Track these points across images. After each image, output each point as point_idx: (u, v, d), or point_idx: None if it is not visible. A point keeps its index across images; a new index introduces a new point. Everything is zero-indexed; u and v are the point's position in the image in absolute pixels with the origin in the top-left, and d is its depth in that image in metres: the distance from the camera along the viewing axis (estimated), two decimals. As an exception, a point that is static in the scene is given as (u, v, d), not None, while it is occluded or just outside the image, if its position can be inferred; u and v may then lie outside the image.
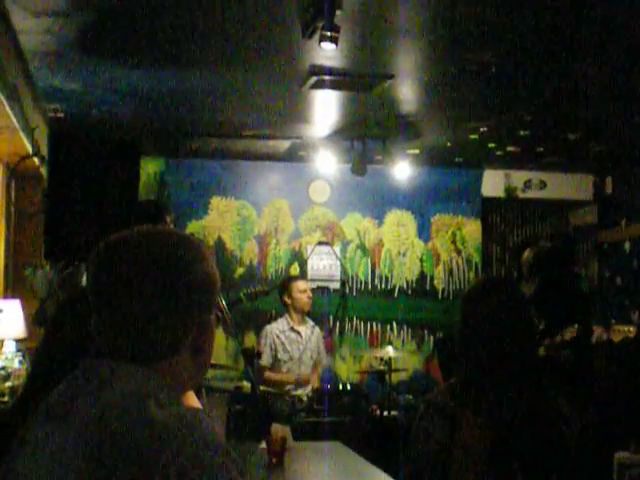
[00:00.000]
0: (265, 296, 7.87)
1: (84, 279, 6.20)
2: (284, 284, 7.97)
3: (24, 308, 6.46)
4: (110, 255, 1.63)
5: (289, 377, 7.64)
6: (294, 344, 7.74)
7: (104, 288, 1.61)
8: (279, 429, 5.00)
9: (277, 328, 7.80)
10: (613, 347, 6.83)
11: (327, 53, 5.42)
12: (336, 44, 4.63)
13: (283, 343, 7.70)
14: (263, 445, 4.83)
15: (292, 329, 7.77)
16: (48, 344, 2.51)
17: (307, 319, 7.95)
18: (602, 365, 6.58)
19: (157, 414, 1.49)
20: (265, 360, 7.54)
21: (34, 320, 6.32)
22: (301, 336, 7.77)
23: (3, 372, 5.90)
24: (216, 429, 1.57)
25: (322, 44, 4.62)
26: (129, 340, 1.60)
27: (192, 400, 2.65)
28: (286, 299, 7.83)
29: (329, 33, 4.50)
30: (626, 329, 6.73)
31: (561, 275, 5.34)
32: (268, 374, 7.57)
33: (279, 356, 7.67)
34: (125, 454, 1.44)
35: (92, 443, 1.47)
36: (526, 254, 5.54)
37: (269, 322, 8.25)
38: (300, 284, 7.87)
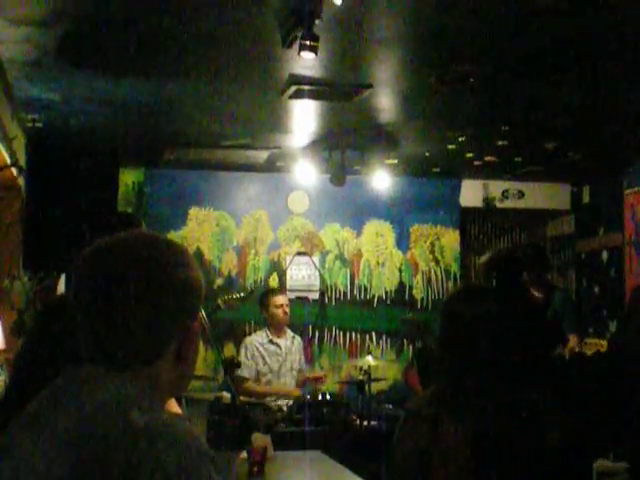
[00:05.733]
0: (242, 303, 7.86)
1: (62, 289, 6.18)
2: (263, 298, 7.93)
3: (2, 319, 6.41)
4: (94, 260, 1.62)
5: (272, 389, 7.61)
6: (273, 356, 7.70)
7: (87, 293, 1.60)
8: (260, 438, 4.98)
9: (257, 340, 7.76)
10: (586, 361, 6.85)
11: (306, 63, 5.43)
12: (315, 53, 4.64)
13: (263, 355, 7.67)
14: (244, 454, 4.82)
15: (271, 342, 7.73)
16: (27, 352, 2.50)
17: (287, 330, 7.91)
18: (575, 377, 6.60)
19: (140, 420, 1.48)
20: (247, 372, 7.51)
21: (12, 331, 6.28)
22: (280, 348, 7.74)
23: (-20, 383, 5.85)
24: (199, 436, 1.56)
25: (302, 53, 4.63)
26: (112, 346, 1.59)
27: (173, 407, 2.65)
28: (264, 313, 7.80)
29: (308, 42, 4.51)
30: (599, 342, 6.77)
31: (508, 283, 5.33)
32: (251, 385, 7.53)
33: (259, 368, 7.64)
34: (108, 461, 1.43)
35: (74, 450, 1.46)
36: (480, 263, 5.56)
37: (249, 334, 8.22)
38: (277, 299, 7.79)
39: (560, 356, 6.63)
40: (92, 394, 1.52)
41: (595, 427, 6.20)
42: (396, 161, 9.03)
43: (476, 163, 9.13)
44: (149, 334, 1.59)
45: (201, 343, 7.48)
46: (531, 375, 3.11)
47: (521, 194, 10.35)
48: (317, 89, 6.22)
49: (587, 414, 6.07)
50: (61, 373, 1.61)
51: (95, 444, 1.45)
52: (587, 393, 6.45)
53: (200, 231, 9.72)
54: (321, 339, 9.87)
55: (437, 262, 10.23)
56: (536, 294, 7.17)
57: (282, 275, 9.77)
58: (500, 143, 8.05)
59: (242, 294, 7.81)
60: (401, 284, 10.16)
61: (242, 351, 7.73)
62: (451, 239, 10.26)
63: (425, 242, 10.21)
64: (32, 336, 2.55)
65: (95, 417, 1.48)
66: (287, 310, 7.77)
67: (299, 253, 9.59)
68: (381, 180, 9.18)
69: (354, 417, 7.51)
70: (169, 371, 1.63)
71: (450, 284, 10.13)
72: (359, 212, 10.03)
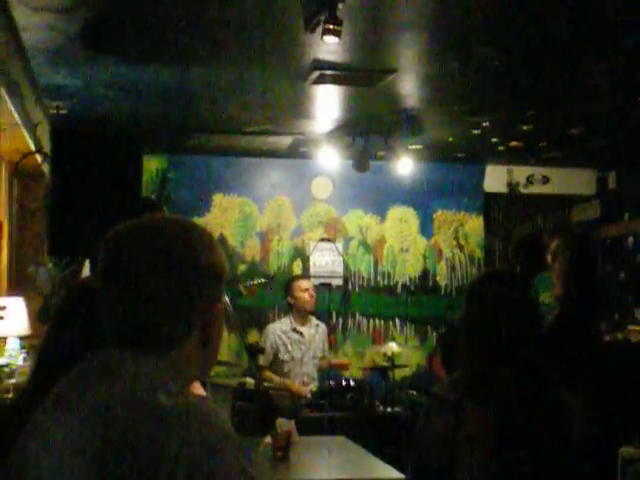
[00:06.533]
0: (263, 288, 7.85)
1: (87, 275, 6.21)
2: (287, 284, 7.92)
3: (28, 305, 6.45)
4: (118, 243, 1.62)
5: (286, 384, 7.52)
6: (296, 345, 7.67)
7: (111, 276, 1.60)
8: (284, 423, 5.00)
9: (279, 328, 7.73)
10: (631, 346, 6.81)
11: (329, 47, 5.42)
12: (339, 37, 4.63)
13: (285, 343, 7.64)
14: (268, 439, 4.84)
15: (294, 330, 7.70)
16: (51, 336, 2.51)
17: (311, 318, 7.87)
18: (615, 363, 6.57)
19: (166, 403, 1.48)
20: (263, 360, 7.48)
21: (38, 317, 6.32)
22: (303, 336, 7.71)
23: (7, 369, 5.90)
24: (225, 418, 1.56)
25: (325, 37, 4.62)
26: (136, 329, 1.59)
27: (198, 390, 2.65)
28: (289, 299, 7.76)
29: (332, 26, 4.50)
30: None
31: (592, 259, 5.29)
32: (268, 374, 7.51)
33: (280, 356, 7.60)
34: (134, 443, 1.44)
35: (100, 432, 1.46)
36: (555, 243, 5.48)
37: (273, 321, 8.22)
38: (302, 283, 7.78)
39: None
40: (118, 377, 1.53)
41: (626, 413, 6.17)
42: (420, 147, 9.01)
43: (500, 148, 9.08)
44: (173, 317, 1.59)
45: (225, 328, 7.54)
46: (559, 360, 3.09)
47: (546, 179, 10.29)
48: (340, 74, 6.20)
49: (621, 400, 6.04)
50: (86, 357, 1.62)
51: (122, 426, 1.46)
52: (626, 379, 6.42)
53: (224, 217, 9.73)
54: (345, 325, 9.87)
55: (461, 248, 10.20)
56: None
57: (305, 261, 9.78)
58: (525, 128, 8.01)
59: (263, 280, 7.80)
60: (425, 270, 10.14)
61: (262, 338, 7.73)
62: (475, 225, 10.23)
63: (449, 228, 10.18)
64: (56, 320, 2.56)
65: (121, 399, 1.49)
66: (313, 294, 7.74)
67: (322, 239, 9.59)
68: (405, 166, 9.15)
69: (378, 403, 7.53)
70: (193, 354, 1.64)
71: (474, 270, 10.09)
72: (383, 198, 10.01)
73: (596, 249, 5.63)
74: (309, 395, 7.49)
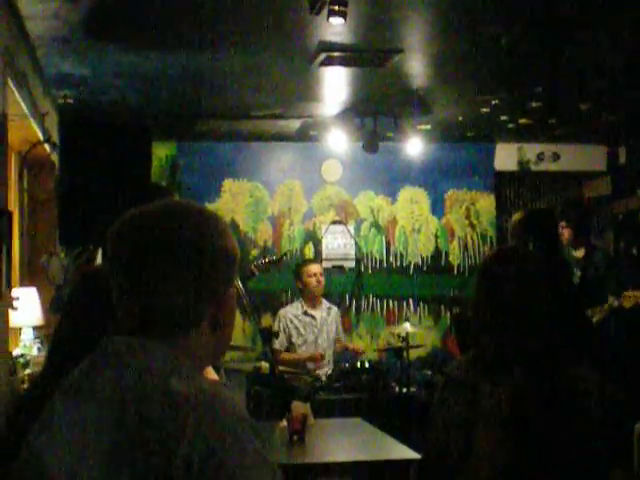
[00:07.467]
0: (276, 265, 7.85)
1: (99, 264, 6.21)
2: (296, 269, 7.93)
3: (40, 295, 6.46)
4: (128, 229, 1.62)
5: (302, 355, 7.59)
6: (308, 328, 7.69)
7: (122, 262, 1.60)
8: (299, 406, 5.00)
9: (291, 312, 7.75)
10: (626, 313, 6.82)
11: (336, 29, 5.40)
12: (344, 18, 4.61)
13: (297, 327, 7.66)
14: (284, 423, 4.85)
15: (305, 313, 7.71)
16: (64, 324, 2.51)
17: (323, 301, 7.88)
18: (615, 332, 6.59)
19: (180, 388, 1.48)
20: (278, 344, 7.50)
21: (51, 307, 6.33)
22: (315, 319, 7.72)
23: (22, 359, 5.92)
24: (238, 401, 1.56)
25: (330, 19, 4.60)
26: (148, 315, 1.58)
27: (211, 374, 2.65)
28: (298, 284, 7.79)
29: (337, 7, 4.48)
30: (637, 294, 6.71)
31: (540, 239, 5.28)
32: (283, 355, 7.54)
33: (293, 340, 7.63)
34: (148, 429, 1.43)
35: (114, 420, 1.46)
36: (513, 218, 5.52)
37: (286, 304, 8.22)
38: (310, 268, 7.78)
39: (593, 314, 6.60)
40: (131, 363, 1.52)
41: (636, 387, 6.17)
42: (429, 126, 8.98)
43: (510, 126, 9.05)
44: (185, 302, 1.59)
45: (238, 313, 7.46)
46: (569, 335, 3.08)
47: (556, 156, 10.25)
48: (347, 55, 6.18)
49: (627, 372, 6.04)
50: (98, 344, 1.61)
51: (135, 413, 1.45)
52: (626, 349, 6.42)
53: (234, 203, 9.73)
54: (358, 307, 9.88)
55: (473, 227, 10.18)
56: (578, 253, 7.20)
57: (318, 244, 9.78)
58: (534, 105, 7.97)
59: (274, 257, 7.80)
60: (437, 250, 10.13)
61: (275, 323, 7.75)
62: (487, 204, 10.20)
63: (460, 207, 10.16)
64: (68, 308, 2.56)
65: (135, 385, 1.49)
66: (321, 279, 7.72)
67: (334, 222, 9.59)
68: (414, 146, 9.14)
69: (393, 384, 7.52)
70: (206, 339, 1.63)
71: (486, 249, 10.07)
72: (393, 179, 9.99)
73: (554, 225, 5.57)
74: (325, 361, 7.55)
